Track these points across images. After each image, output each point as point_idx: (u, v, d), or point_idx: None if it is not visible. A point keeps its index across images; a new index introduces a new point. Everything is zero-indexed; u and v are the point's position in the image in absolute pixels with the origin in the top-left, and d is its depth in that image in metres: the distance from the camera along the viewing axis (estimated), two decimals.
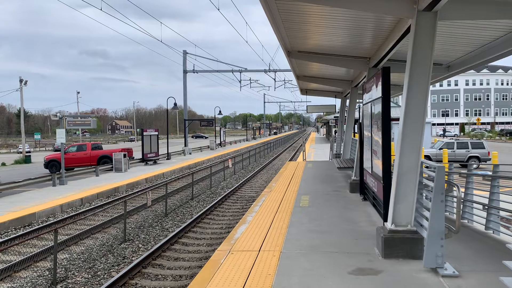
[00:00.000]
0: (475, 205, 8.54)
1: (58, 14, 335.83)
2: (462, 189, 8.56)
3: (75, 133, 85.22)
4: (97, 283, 7.96)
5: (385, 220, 6.32)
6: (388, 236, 5.92)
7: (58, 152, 27.10)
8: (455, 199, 8.03)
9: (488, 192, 8.23)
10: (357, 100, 17.02)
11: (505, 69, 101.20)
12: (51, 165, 27.35)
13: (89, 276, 8.35)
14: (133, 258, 9.36)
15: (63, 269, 8.67)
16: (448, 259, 5.44)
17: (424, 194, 6.04)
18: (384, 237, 5.93)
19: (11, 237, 10.69)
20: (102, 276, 8.31)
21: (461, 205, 8.06)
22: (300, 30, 8.84)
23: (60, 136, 19.29)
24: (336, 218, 8.65)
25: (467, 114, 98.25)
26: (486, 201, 8.15)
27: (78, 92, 67.71)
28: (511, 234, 7.34)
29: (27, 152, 42.54)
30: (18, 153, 51.06)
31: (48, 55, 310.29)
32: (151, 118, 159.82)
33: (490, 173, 11.05)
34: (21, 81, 42.24)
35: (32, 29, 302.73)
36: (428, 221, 5.35)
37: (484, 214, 8.04)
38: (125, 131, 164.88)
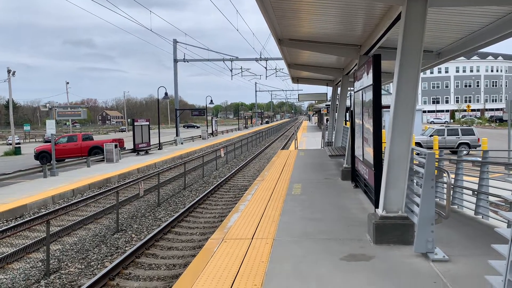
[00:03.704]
0: (464, 190, 8.65)
1: (44, 2, 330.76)
2: (452, 175, 8.65)
3: (65, 124, 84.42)
4: (91, 273, 7.97)
5: (377, 206, 6.38)
6: (379, 222, 5.98)
7: (49, 143, 26.83)
8: (445, 185, 8.15)
9: (478, 178, 8.34)
10: (349, 88, 17.03)
11: (495, 55, 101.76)
12: (42, 156, 27.14)
13: (82, 266, 8.35)
14: (126, 248, 9.37)
15: (56, 260, 8.66)
16: (439, 244, 5.51)
17: (414, 181, 6.09)
18: (376, 224, 6.00)
19: (2, 229, 10.63)
20: (95, 267, 8.32)
21: (451, 191, 8.16)
22: (291, 18, 8.80)
23: (50, 127, 19.11)
24: (328, 206, 8.71)
25: (457, 101, 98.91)
26: (475, 186, 8.25)
27: (68, 83, 66.95)
28: (500, 219, 7.45)
29: (16, 143, 42.05)
30: (7, 144, 50.49)
31: (36, 45, 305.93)
32: (142, 108, 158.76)
33: (479, 159, 11.18)
34: (9, 71, 41.49)
35: (19, 18, 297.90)
36: (418, 207, 5.42)
37: (474, 199, 8.15)
38: (116, 122, 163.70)
